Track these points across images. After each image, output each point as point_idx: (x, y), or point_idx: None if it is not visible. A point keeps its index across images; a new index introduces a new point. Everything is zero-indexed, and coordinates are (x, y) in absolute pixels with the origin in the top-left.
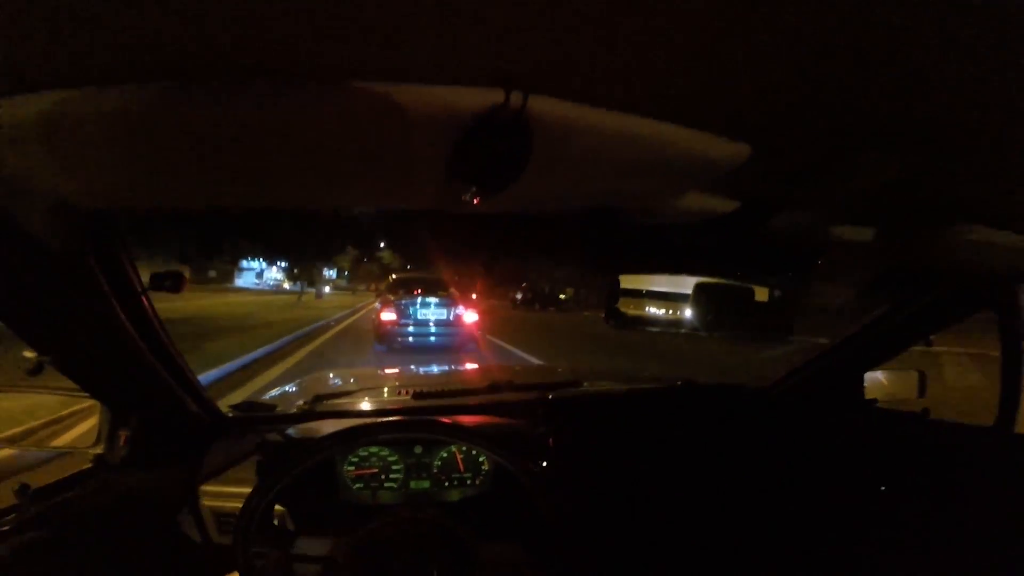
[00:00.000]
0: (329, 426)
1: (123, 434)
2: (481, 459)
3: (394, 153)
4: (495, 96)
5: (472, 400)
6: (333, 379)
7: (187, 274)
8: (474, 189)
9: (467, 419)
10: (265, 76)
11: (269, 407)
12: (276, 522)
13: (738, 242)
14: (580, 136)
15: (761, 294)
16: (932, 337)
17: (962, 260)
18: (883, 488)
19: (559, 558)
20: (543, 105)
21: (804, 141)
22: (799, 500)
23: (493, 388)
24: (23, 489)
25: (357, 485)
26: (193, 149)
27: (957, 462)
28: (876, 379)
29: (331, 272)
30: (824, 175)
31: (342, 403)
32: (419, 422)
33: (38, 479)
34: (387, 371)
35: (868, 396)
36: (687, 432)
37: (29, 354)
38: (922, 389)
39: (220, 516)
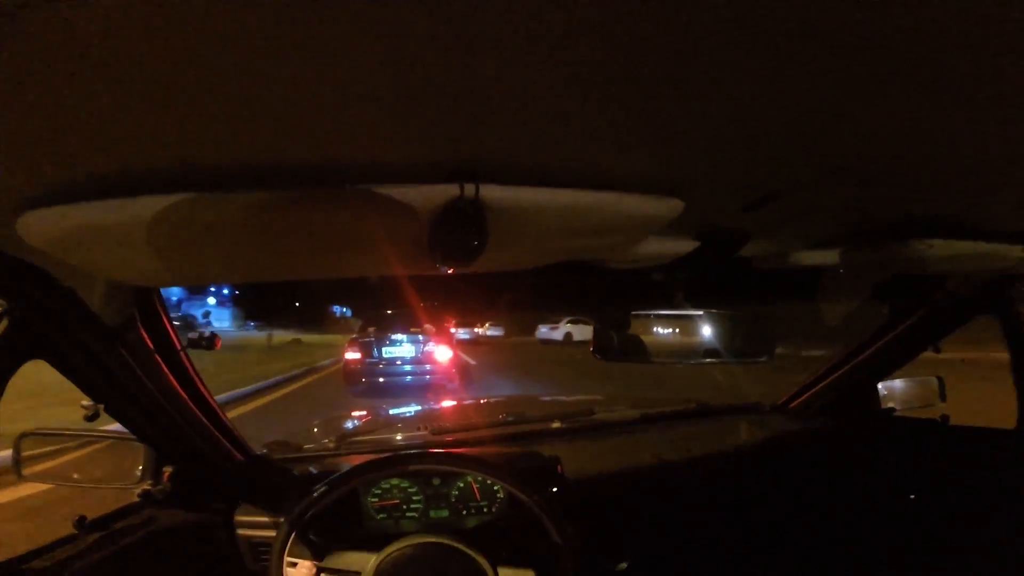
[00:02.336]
0: (352, 462)
1: (166, 472)
2: (496, 488)
3: (381, 236)
4: (452, 190)
5: (487, 433)
6: (355, 419)
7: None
8: (448, 261)
9: (480, 450)
10: (278, 186)
11: (297, 447)
12: (312, 537)
13: (720, 274)
14: (528, 212)
15: (745, 319)
16: (940, 344)
17: (934, 271)
18: (912, 496)
19: None
20: (493, 192)
21: (738, 187)
22: (825, 515)
23: (508, 420)
24: (80, 521)
25: (380, 515)
26: (221, 242)
27: (983, 466)
28: (892, 388)
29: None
30: (775, 208)
31: (364, 440)
32: (425, 455)
33: (90, 511)
34: (405, 410)
35: (885, 405)
36: (703, 454)
37: (86, 402)
38: (942, 395)
39: (255, 546)
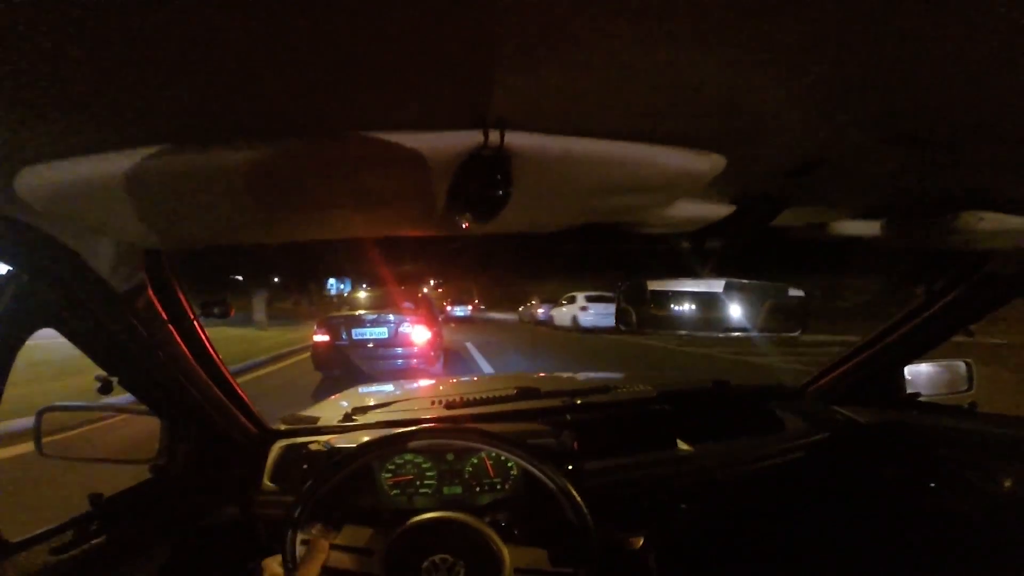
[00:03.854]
0: (366, 436)
1: (182, 447)
2: (510, 464)
3: (397, 190)
4: (475, 136)
5: (502, 408)
6: (368, 393)
7: None
8: (468, 216)
9: (495, 426)
10: (285, 134)
11: (312, 420)
12: (325, 513)
13: (751, 243)
14: (557, 163)
15: (780, 292)
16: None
17: (981, 246)
18: (932, 485)
19: (585, 563)
20: (519, 139)
21: (784, 148)
22: (841, 501)
23: (522, 395)
24: (96, 498)
25: (394, 491)
26: (226, 197)
27: (1007, 454)
28: (919, 372)
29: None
30: (819, 174)
31: (379, 415)
32: (438, 430)
33: (103, 487)
34: (420, 384)
35: (911, 390)
36: (721, 434)
37: (100, 373)
38: (970, 381)
39: (269, 521)
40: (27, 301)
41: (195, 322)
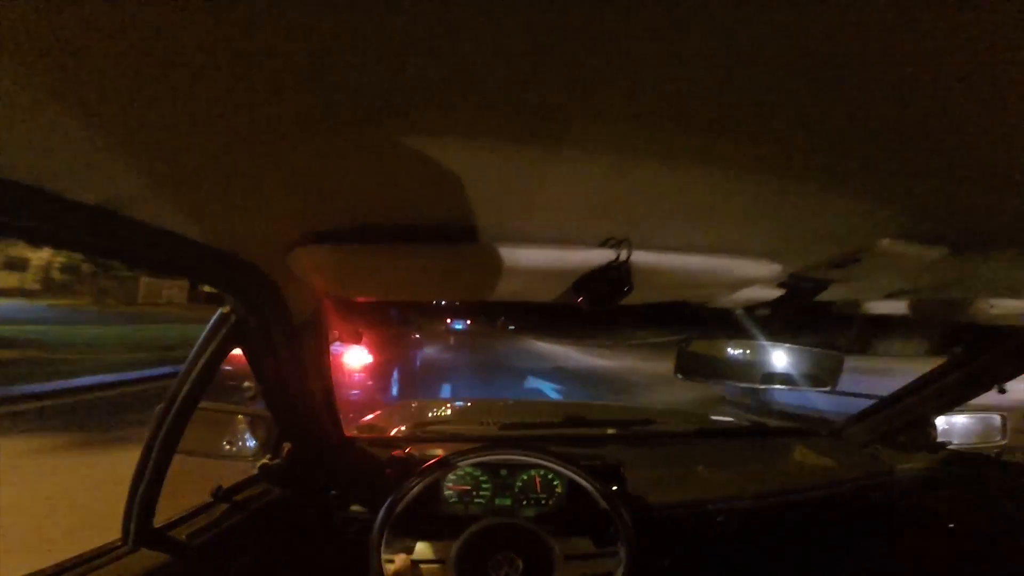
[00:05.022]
0: (437, 448)
1: (285, 447)
2: (556, 483)
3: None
4: (608, 254)
5: (549, 432)
6: (420, 409)
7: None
8: (589, 305)
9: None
10: (462, 241)
11: (383, 430)
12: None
13: (794, 315)
14: (665, 272)
15: (815, 354)
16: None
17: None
18: (951, 526)
19: (627, 542)
20: (640, 256)
21: (828, 253)
22: (867, 542)
23: (571, 422)
24: (218, 490)
25: (453, 500)
26: (412, 276)
27: None
28: (952, 423)
29: None
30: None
31: (441, 430)
32: (510, 447)
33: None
34: (466, 403)
35: (944, 439)
36: (756, 474)
37: (249, 383)
38: (1003, 432)
39: (347, 522)
40: (237, 326)
41: (325, 346)
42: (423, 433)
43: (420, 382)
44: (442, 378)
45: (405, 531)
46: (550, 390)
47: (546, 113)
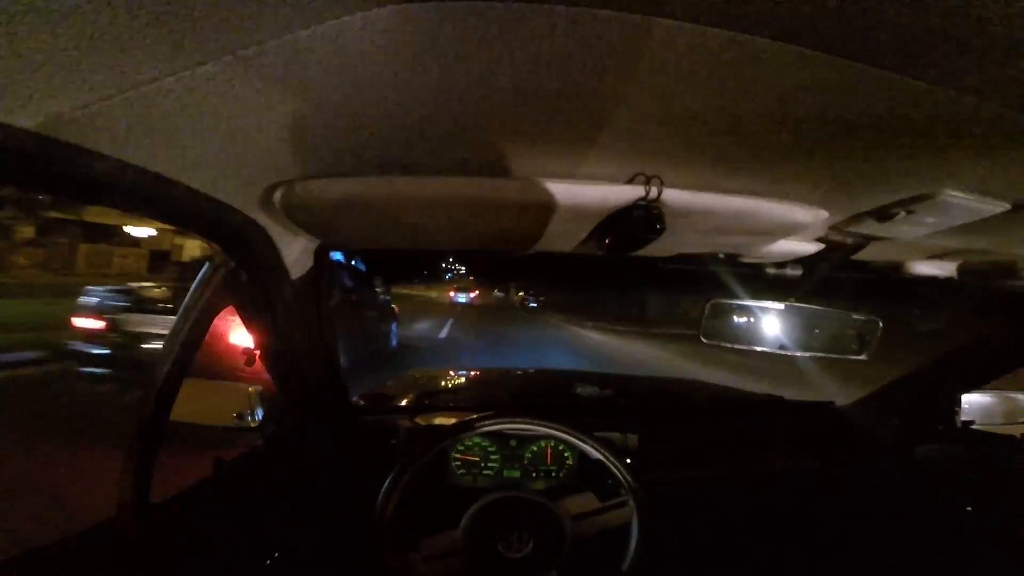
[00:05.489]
0: (444, 418)
1: (289, 417)
2: (567, 454)
3: (556, 223)
4: (637, 191)
5: (562, 402)
6: (427, 379)
7: None
8: (616, 249)
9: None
10: (483, 174)
11: (388, 399)
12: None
13: (829, 274)
14: (699, 214)
15: (843, 316)
16: None
17: None
18: (968, 508)
19: (633, 491)
20: (673, 195)
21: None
22: (881, 521)
23: (582, 392)
24: (218, 461)
25: (460, 471)
26: (411, 216)
27: None
28: (973, 401)
29: None
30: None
31: (449, 399)
32: (515, 416)
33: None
34: (474, 373)
35: (966, 418)
36: (770, 447)
37: (248, 346)
38: None
39: (352, 491)
40: (229, 279)
41: (327, 307)
42: (430, 403)
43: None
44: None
45: (412, 503)
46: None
47: (577, 27)
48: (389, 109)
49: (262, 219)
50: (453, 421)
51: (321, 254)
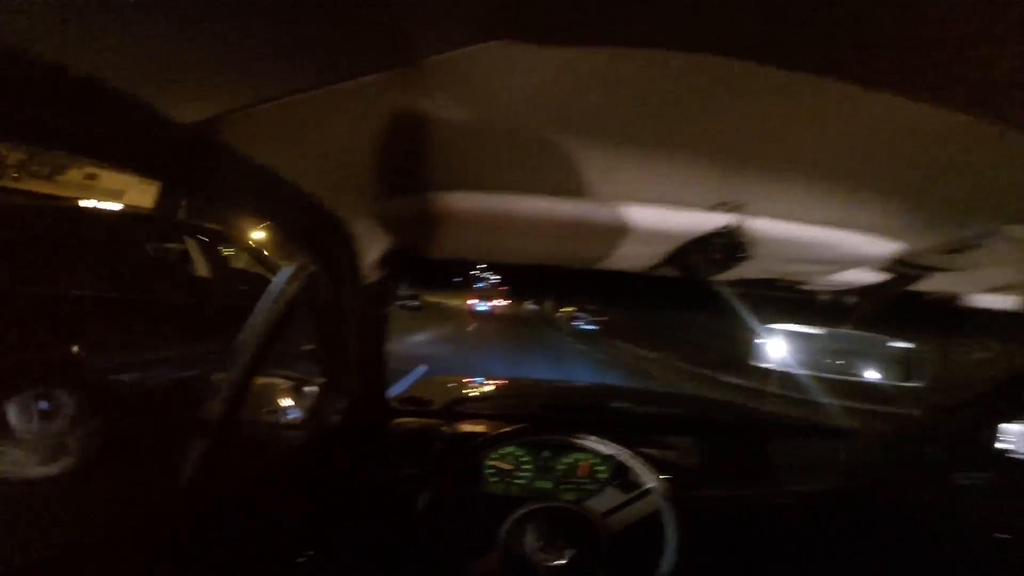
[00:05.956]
0: (476, 425)
1: (336, 412)
2: (601, 469)
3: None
4: (721, 218)
5: (592, 415)
6: (457, 384)
7: None
8: (698, 274)
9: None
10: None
11: (425, 403)
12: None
13: (882, 304)
14: (780, 242)
15: (900, 347)
16: None
17: None
18: (1004, 536)
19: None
20: (757, 223)
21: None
22: (912, 540)
23: (614, 403)
24: (264, 458)
25: (493, 478)
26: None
27: None
28: (1015, 430)
29: None
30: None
31: (483, 406)
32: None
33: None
34: (506, 381)
35: (1003, 446)
36: (803, 472)
37: (307, 347)
38: None
39: (392, 492)
40: (309, 286)
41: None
42: (464, 409)
43: None
44: None
45: (446, 507)
46: None
47: (667, 70)
48: (500, 129)
49: (359, 226)
50: (483, 428)
51: (397, 262)
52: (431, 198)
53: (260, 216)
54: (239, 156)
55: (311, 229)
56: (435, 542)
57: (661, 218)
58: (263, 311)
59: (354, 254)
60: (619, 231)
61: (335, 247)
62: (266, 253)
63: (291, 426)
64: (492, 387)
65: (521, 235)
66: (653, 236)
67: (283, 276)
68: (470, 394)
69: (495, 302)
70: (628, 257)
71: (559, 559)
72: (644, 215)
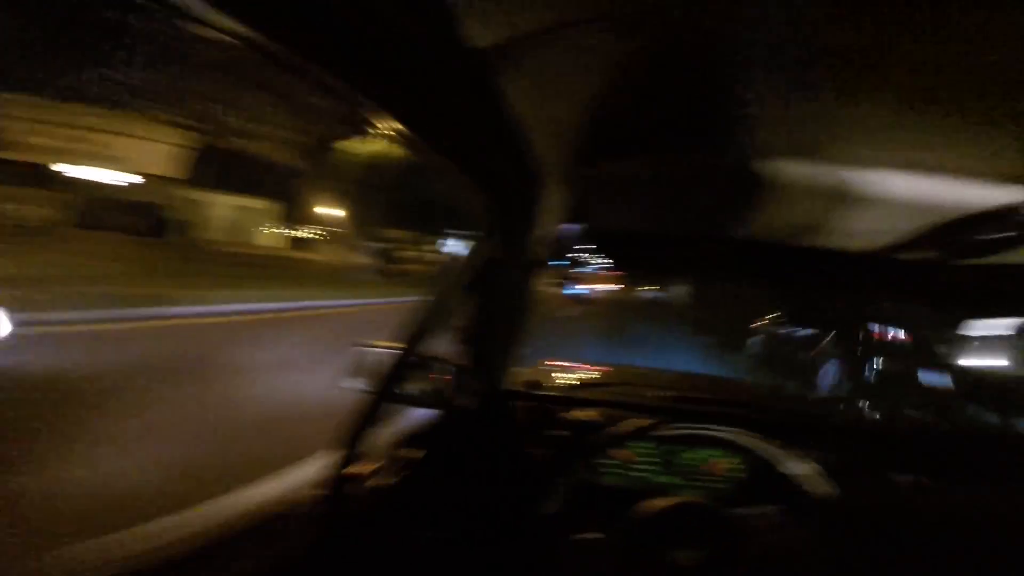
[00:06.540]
0: (591, 412)
1: (472, 391)
2: (740, 467)
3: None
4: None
5: (729, 410)
6: (572, 369)
7: None
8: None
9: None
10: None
11: (537, 386)
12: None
13: None
14: None
15: None
16: None
17: None
18: None
19: None
20: None
21: None
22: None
23: (744, 400)
24: (403, 436)
25: (616, 469)
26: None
27: None
28: None
29: None
30: None
31: (600, 393)
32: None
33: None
34: (625, 368)
35: None
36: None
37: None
38: None
39: (508, 477)
40: (486, 264)
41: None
42: (582, 395)
43: None
44: None
45: (566, 496)
46: None
47: None
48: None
49: (550, 197)
50: (596, 415)
51: (577, 239)
52: (630, 162)
53: (474, 161)
54: (497, 89)
55: (509, 190)
56: (554, 529)
57: (924, 189)
58: (447, 287)
59: (531, 227)
60: (862, 198)
61: (521, 214)
62: None
63: (427, 404)
64: (608, 373)
65: (744, 204)
66: (903, 207)
67: (470, 250)
68: (583, 380)
69: (599, 286)
70: (879, 230)
71: (689, 560)
72: (900, 183)
